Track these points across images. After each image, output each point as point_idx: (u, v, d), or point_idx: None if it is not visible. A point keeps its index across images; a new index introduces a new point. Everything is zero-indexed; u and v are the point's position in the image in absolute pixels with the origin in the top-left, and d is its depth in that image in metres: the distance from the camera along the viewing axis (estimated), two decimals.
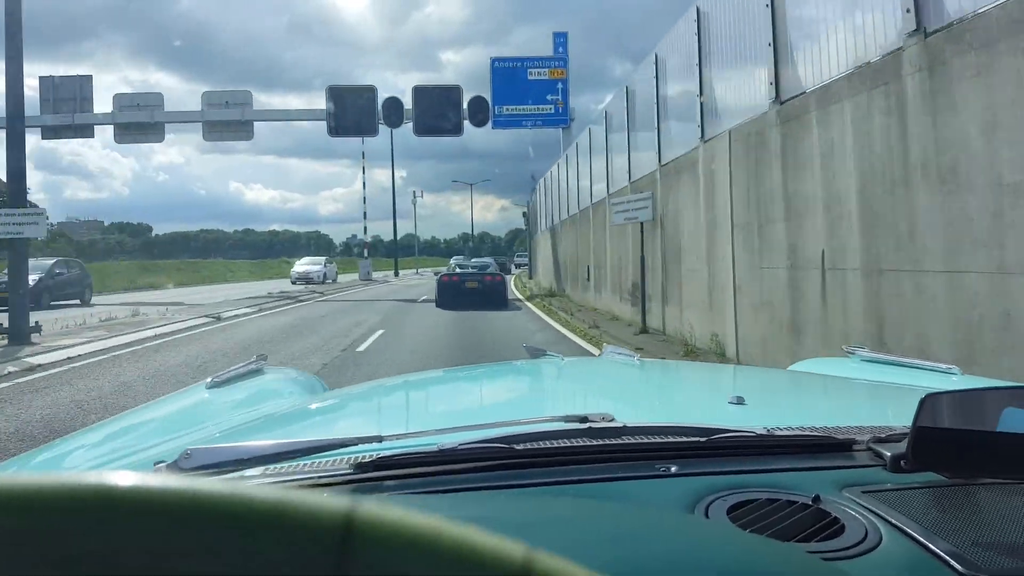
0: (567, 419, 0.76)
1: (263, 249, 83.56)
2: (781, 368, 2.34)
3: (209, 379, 1.38)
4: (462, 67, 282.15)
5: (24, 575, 0.18)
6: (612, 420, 0.76)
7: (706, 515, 0.58)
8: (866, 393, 1.24)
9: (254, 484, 0.19)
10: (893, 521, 0.55)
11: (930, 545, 0.52)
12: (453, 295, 13.50)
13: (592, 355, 5.87)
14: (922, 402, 0.58)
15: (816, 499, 0.59)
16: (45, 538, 0.18)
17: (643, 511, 0.58)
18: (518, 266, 45.93)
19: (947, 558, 0.50)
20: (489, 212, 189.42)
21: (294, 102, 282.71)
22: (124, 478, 0.19)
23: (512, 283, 23.81)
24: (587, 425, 0.74)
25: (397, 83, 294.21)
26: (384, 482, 0.65)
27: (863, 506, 0.58)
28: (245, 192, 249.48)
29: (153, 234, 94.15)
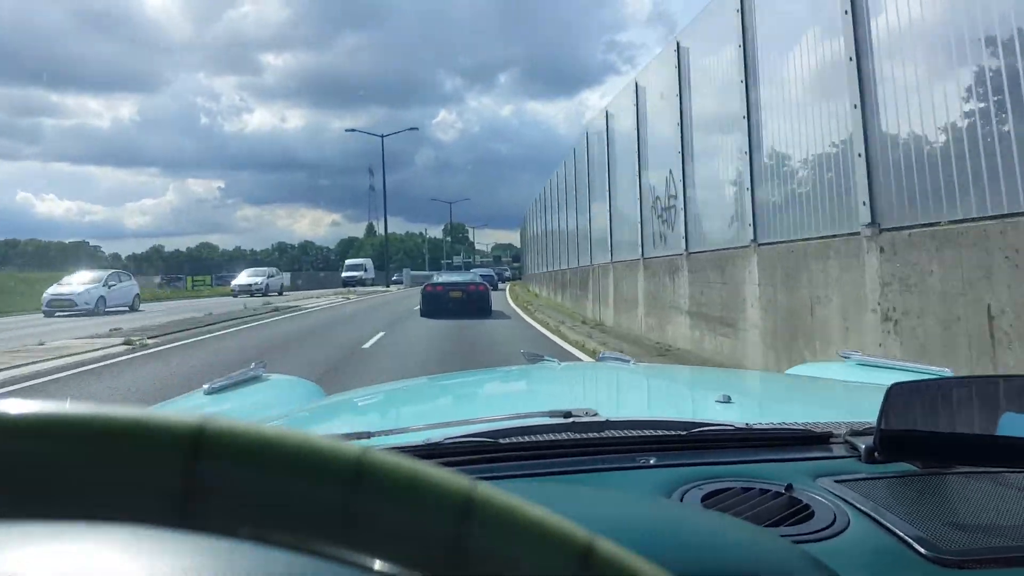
0: (551, 414, 0.84)
1: None
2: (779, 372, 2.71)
3: (207, 385, 1.48)
4: (283, 71, 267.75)
5: None
6: (595, 415, 0.84)
7: (681, 502, 0.64)
8: (853, 392, 1.34)
9: None
10: (861, 507, 0.62)
11: (896, 530, 0.58)
12: (437, 305, 15.18)
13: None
14: (888, 392, 0.64)
15: (789, 487, 0.65)
16: None
17: (617, 494, 0.63)
18: (504, 279, 45.54)
19: (911, 541, 0.56)
20: (319, 227, 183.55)
21: (91, 104, 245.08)
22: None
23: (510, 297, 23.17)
24: (570, 420, 0.82)
25: (211, 86, 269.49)
26: None
27: (834, 494, 0.65)
28: (36, 203, 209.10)
29: None
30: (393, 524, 0.21)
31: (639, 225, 9.79)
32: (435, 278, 17.52)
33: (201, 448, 0.21)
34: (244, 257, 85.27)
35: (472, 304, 15.33)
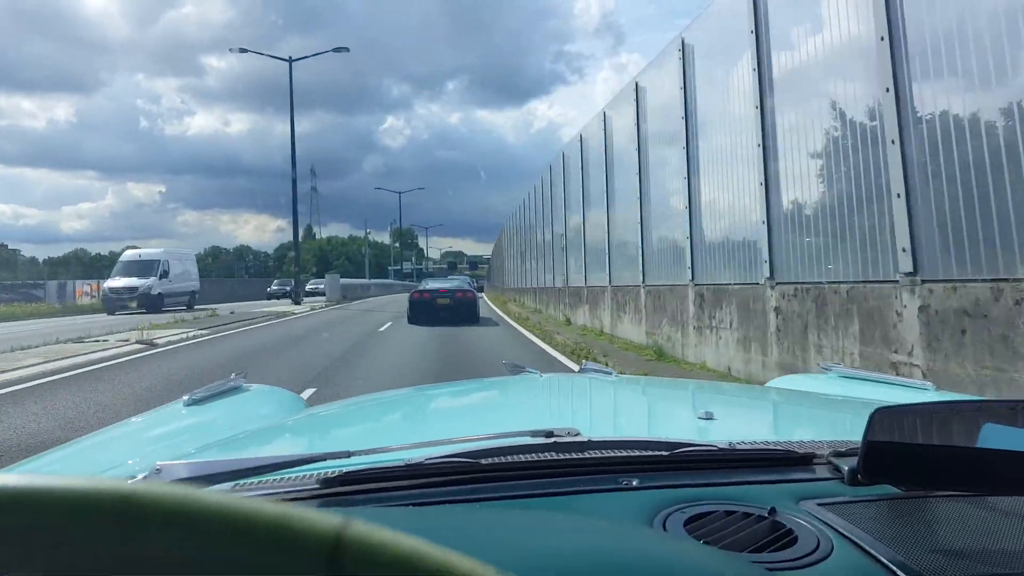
0: (533, 434, 0.84)
1: None
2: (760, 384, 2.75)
3: (187, 396, 1.50)
4: (227, 74, 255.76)
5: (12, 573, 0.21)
6: (577, 435, 0.84)
7: (664, 527, 0.65)
8: (836, 408, 1.37)
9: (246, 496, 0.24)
10: (845, 532, 0.63)
11: (878, 555, 0.59)
12: (425, 311, 15.00)
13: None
14: (872, 416, 0.65)
15: (772, 511, 0.67)
16: (33, 538, 0.21)
17: (597, 523, 0.64)
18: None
19: (894, 568, 0.57)
20: (264, 233, 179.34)
21: (25, 104, 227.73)
22: (133, 485, 0.22)
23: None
24: (552, 440, 0.82)
25: (152, 88, 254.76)
26: (351, 496, 0.72)
27: (817, 518, 0.66)
28: None
29: None
30: None
31: None
32: (422, 284, 17.30)
33: (341, 553, 0.22)
34: None
35: (461, 311, 15.23)
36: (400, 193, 65.05)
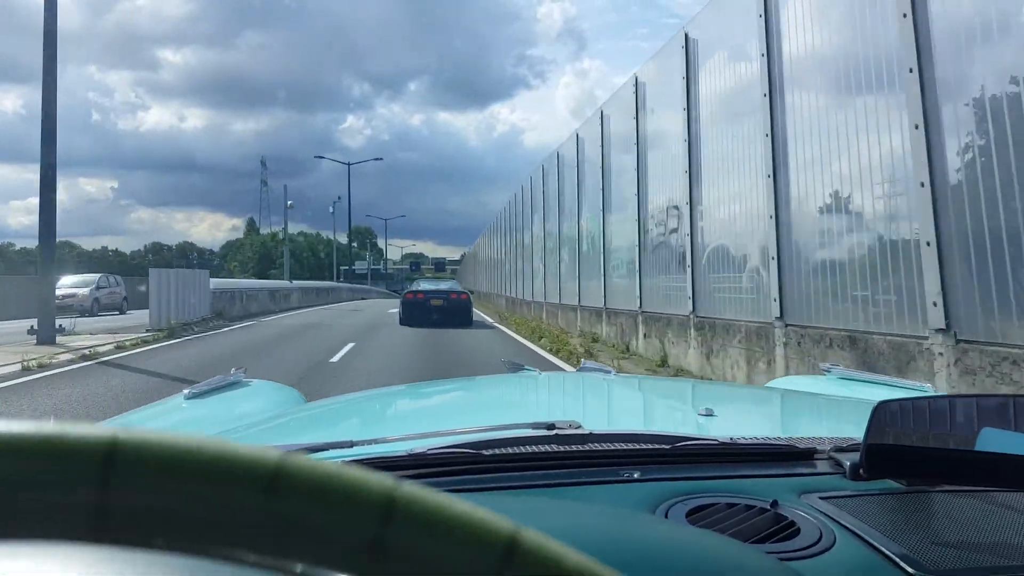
0: (535, 426, 0.87)
1: None
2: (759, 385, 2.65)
3: (187, 390, 1.54)
4: (182, 68, 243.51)
5: None
6: (579, 427, 0.86)
7: (666, 517, 0.66)
8: (835, 407, 1.37)
9: None
10: (847, 525, 0.63)
11: (881, 547, 0.59)
12: (418, 313, 14.62)
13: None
14: (875, 410, 0.68)
15: (774, 504, 0.68)
16: None
17: (601, 509, 0.65)
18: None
19: (896, 559, 0.57)
20: (219, 231, 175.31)
21: None
22: None
23: None
24: (554, 432, 0.84)
25: (105, 81, 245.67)
26: None
27: (819, 511, 0.67)
28: None
29: None
30: (312, 529, 0.22)
31: None
32: (414, 286, 16.72)
33: (115, 462, 0.21)
34: (107, 259, 76.88)
35: (455, 312, 14.94)
36: (349, 164, 50.20)
